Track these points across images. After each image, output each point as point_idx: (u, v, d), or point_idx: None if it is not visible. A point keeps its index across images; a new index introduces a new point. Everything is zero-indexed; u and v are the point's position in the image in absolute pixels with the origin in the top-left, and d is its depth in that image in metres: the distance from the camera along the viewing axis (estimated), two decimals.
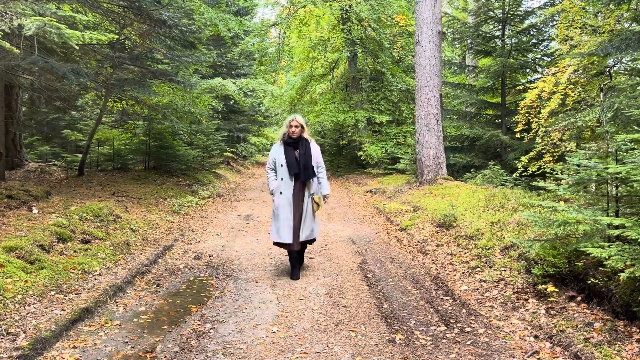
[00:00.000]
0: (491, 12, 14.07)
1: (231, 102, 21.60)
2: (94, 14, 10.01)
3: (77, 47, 7.03)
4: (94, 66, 10.36)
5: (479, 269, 5.60)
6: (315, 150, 5.74)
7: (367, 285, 5.46)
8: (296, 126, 5.61)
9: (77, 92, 10.84)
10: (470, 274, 5.60)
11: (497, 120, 14.29)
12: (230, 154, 23.10)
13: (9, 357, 3.34)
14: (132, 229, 7.53)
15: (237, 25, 15.14)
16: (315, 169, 5.65)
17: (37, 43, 7.38)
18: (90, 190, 9.69)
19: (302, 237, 5.64)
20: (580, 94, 9.33)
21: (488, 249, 5.85)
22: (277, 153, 5.66)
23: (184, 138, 14.58)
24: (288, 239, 5.55)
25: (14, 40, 7.43)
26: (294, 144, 5.62)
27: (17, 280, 4.52)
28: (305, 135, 5.69)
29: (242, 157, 27.06)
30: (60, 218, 6.54)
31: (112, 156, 13.59)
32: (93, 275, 5.38)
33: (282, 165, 5.58)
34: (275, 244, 5.78)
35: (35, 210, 7.01)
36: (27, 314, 4.12)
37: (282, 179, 5.60)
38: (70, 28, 6.88)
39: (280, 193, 5.61)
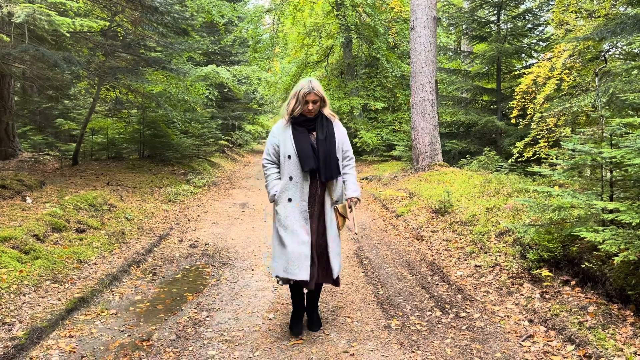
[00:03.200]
0: None
1: (225, 90, 21.45)
2: (84, 0, 9.87)
3: (68, 35, 6.95)
4: (86, 54, 10.24)
5: (474, 254, 5.62)
6: (341, 133, 3.77)
7: (363, 272, 5.48)
8: (314, 101, 3.59)
9: (69, 81, 10.73)
10: (465, 260, 5.62)
11: (492, 106, 14.27)
12: (225, 142, 23.00)
13: (5, 347, 3.34)
14: (127, 218, 7.50)
15: (230, 11, 14.98)
16: (339, 161, 3.71)
17: (28, 31, 7.28)
18: (84, 179, 9.64)
19: (335, 270, 3.67)
20: (575, 79, 9.31)
21: (483, 235, 5.87)
22: (283, 138, 3.68)
23: (179, 126, 14.48)
24: (303, 275, 3.49)
25: (4, 28, 7.33)
26: (309, 124, 3.67)
27: (12, 270, 4.51)
28: (327, 111, 3.72)
29: (238, 145, 26.96)
30: (55, 208, 6.50)
31: (107, 145, 13.50)
32: (88, 265, 5.37)
33: (289, 157, 3.61)
34: (281, 280, 3.72)
35: (29, 200, 6.98)
36: (23, 303, 4.11)
37: (290, 178, 3.61)
38: (61, 15, 6.79)
39: (289, 200, 3.60)
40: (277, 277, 3.65)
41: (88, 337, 3.74)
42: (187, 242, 6.94)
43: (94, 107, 11.58)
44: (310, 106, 3.58)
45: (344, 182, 3.76)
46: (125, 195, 8.86)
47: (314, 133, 3.66)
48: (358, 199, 3.75)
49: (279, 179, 3.71)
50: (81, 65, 8.30)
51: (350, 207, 3.76)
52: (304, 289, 3.80)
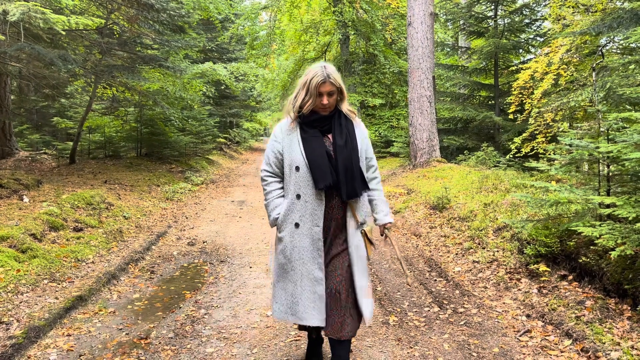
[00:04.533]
0: None
1: (223, 87, 21.41)
2: None
3: (63, 33, 6.92)
4: (82, 52, 10.21)
5: (472, 250, 5.63)
6: (363, 136, 2.90)
7: None
8: (330, 92, 2.73)
9: (65, 79, 10.70)
10: (463, 255, 5.63)
11: (490, 102, 14.26)
12: (223, 140, 22.98)
13: (3, 346, 3.34)
14: (124, 216, 7.49)
15: (226, 8, 14.93)
16: (364, 172, 2.85)
17: (23, 29, 7.25)
18: (81, 178, 9.62)
19: (367, 315, 2.81)
20: (572, 74, 9.30)
21: (481, 230, 5.87)
22: (288, 143, 2.81)
23: (176, 124, 14.46)
24: (316, 318, 2.73)
25: None
26: (323, 125, 2.81)
27: (9, 270, 4.50)
28: (345, 107, 2.86)
29: (235, 142, 26.93)
30: (52, 206, 6.49)
31: (104, 144, 13.47)
32: (86, 263, 5.36)
33: (297, 169, 2.75)
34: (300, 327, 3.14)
35: (26, 199, 6.96)
36: (20, 302, 4.11)
37: (297, 196, 2.76)
38: (56, 13, 6.76)
39: (296, 226, 2.77)
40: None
41: (86, 335, 3.74)
42: (185, 240, 6.94)
43: (90, 105, 11.55)
44: (325, 100, 2.69)
45: (370, 201, 2.91)
46: (122, 194, 8.85)
47: (330, 136, 2.76)
48: (391, 224, 2.93)
49: (282, 196, 2.82)
50: (77, 64, 8.27)
51: (385, 234, 2.93)
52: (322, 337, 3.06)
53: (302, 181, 2.72)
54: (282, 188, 2.85)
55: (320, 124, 2.77)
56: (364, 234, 2.86)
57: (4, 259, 4.60)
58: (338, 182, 2.68)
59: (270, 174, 2.87)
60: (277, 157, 2.82)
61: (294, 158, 2.74)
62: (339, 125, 2.77)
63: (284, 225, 2.79)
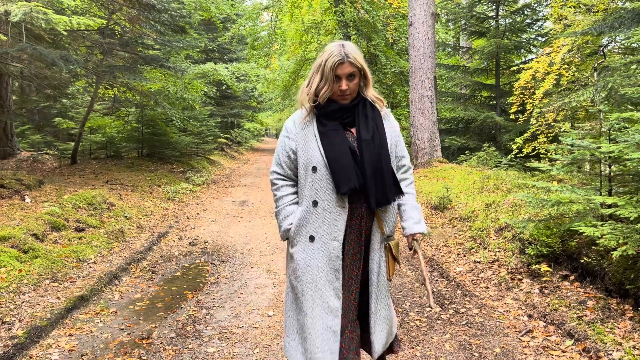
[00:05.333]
0: None
1: (224, 88, 21.41)
2: None
3: (65, 33, 6.94)
4: (83, 53, 10.23)
5: (473, 250, 5.63)
6: (394, 129, 2.45)
7: None
8: (350, 75, 2.26)
9: (67, 80, 10.72)
10: (464, 256, 5.63)
11: (491, 102, 14.25)
12: (224, 140, 23.00)
13: (5, 346, 3.34)
14: (126, 216, 7.50)
15: (228, 8, 14.94)
16: (394, 172, 2.40)
17: (25, 30, 7.27)
18: (83, 178, 9.63)
19: (377, 348, 2.42)
20: (574, 74, 9.29)
21: (482, 231, 5.87)
22: (302, 139, 2.36)
23: (177, 124, 14.47)
24: (330, 357, 2.25)
25: (1, 27, 7.31)
26: (344, 116, 2.34)
27: (11, 270, 4.51)
28: (371, 94, 2.39)
29: (237, 143, 26.95)
30: (54, 207, 6.50)
31: (105, 144, 13.49)
32: (88, 264, 5.37)
33: (314, 170, 2.30)
34: None
35: (28, 199, 6.97)
36: (22, 302, 4.11)
37: (314, 203, 2.30)
38: (58, 13, 6.77)
39: (310, 239, 2.31)
40: None
41: (88, 335, 3.74)
42: (186, 240, 6.94)
43: (92, 105, 11.57)
44: (344, 85, 2.20)
45: (398, 206, 2.43)
46: (124, 194, 8.86)
47: (353, 130, 2.30)
48: (423, 234, 2.57)
49: (296, 203, 2.35)
50: (79, 64, 8.28)
51: (413, 248, 2.42)
52: None
53: (320, 184, 2.23)
54: (296, 193, 2.36)
55: (341, 115, 2.28)
56: (388, 250, 2.37)
57: (6, 259, 4.61)
58: (365, 186, 2.20)
59: (282, 177, 2.38)
60: (290, 156, 2.33)
61: (310, 156, 2.25)
62: (364, 116, 2.28)
63: (296, 239, 2.30)
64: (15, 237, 5.10)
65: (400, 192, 2.36)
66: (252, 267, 5.57)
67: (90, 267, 5.29)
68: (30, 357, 3.35)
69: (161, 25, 10.71)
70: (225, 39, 21.19)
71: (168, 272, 5.46)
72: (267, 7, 20.07)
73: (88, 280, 4.81)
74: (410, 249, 2.45)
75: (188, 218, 8.50)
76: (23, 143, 14.24)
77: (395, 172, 2.36)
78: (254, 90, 26.72)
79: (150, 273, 5.40)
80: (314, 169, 2.25)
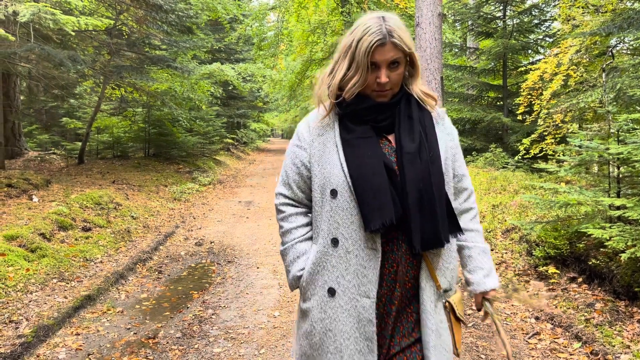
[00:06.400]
0: None
1: (230, 88, 21.47)
2: None
3: (73, 34, 6.97)
4: (91, 53, 10.28)
5: None
6: (450, 139, 1.68)
7: None
8: (393, 62, 1.51)
9: (75, 80, 10.77)
10: None
11: (498, 103, 14.19)
12: (230, 140, 23.04)
13: (12, 345, 3.36)
14: (132, 216, 7.53)
15: (235, 8, 14.98)
16: (449, 199, 1.61)
17: (33, 30, 7.31)
18: (90, 178, 9.68)
19: None
20: (582, 75, 9.24)
21: (489, 232, 5.84)
22: (319, 151, 1.61)
23: (184, 124, 14.52)
24: None
25: (9, 28, 7.35)
26: (379, 118, 1.58)
27: (19, 269, 4.53)
28: (418, 89, 1.62)
29: (243, 143, 27.00)
30: (61, 206, 6.53)
31: (112, 144, 13.55)
32: (94, 263, 5.39)
33: (333, 195, 1.55)
34: None
35: (35, 199, 7.01)
36: (30, 301, 4.13)
37: (334, 242, 1.56)
38: (66, 14, 6.81)
39: (330, 293, 1.57)
40: None
41: (94, 334, 3.76)
42: (192, 240, 6.96)
43: (99, 105, 11.62)
44: (384, 75, 1.51)
45: (459, 249, 1.72)
46: (130, 194, 8.89)
47: (391, 138, 1.60)
48: (495, 290, 1.72)
49: (309, 239, 1.67)
50: (86, 64, 8.33)
51: (483, 308, 1.74)
52: None
53: (343, 216, 1.53)
54: (310, 225, 1.67)
55: (374, 116, 1.56)
56: (449, 310, 1.63)
57: (13, 258, 4.64)
58: (407, 219, 1.49)
59: (290, 202, 1.68)
60: (302, 173, 1.63)
61: (328, 175, 1.55)
62: (407, 118, 1.57)
63: (310, 291, 1.61)
64: (23, 237, 5.13)
65: (457, 229, 1.59)
66: (258, 268, 5.57)
67: (97, 266, 5.31)
68: (38, 356, 3.37)
69: (168, 26, 10.75)
70: (231, 39, 21.24)
71: (174, 272, 5.47)
72: (274, 7, 20.10)
73: (95, 280, 4.83)
74: (479, 310, 1.74)
75: (194, 218, 8.52)
76: (31, 143, 14.33)
77: (452, 198, 1.62)
78: (260, 90, 26.75)
79: (157, 273, 5.42)
80: (334, 193, 1.53)
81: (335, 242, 1.55)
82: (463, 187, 1.72)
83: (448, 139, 1.65)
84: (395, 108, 1.59)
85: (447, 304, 1.64)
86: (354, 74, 1.52)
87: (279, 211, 1.71)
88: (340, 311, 1.56)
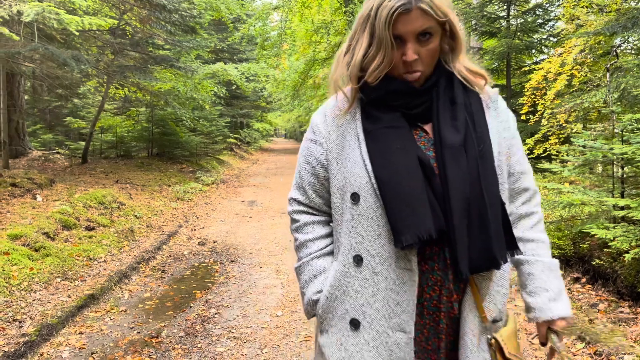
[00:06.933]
0: None
1: (233, 88, 21.50)
2: None
3: (77, 33, 6.99)
4: (94, 53, 10.32)
5: None
6: (505, 128, 1.29)
7: None
8: (423, 33, 1.14)
9: (78, 80, 10.81)
10: None
11: None
12: (233, 140, 23.07)
13: (16, 343, 3.37)
14: (136, 215, 7.55)
15: (238, 8, 14.99)
16: (505, 205, 1.21)
17: (37, 30, 7.34)
18: (93, 177, 9.71)
19: None
20: (586, 75, 9.21)
21: None
22: (338, 146, 1.28)
23: (187, 124, 14.56)
24: None
25: (13, 27, 7.38)
26: (411, 104, 1.23)
27: (23, 268, 4.55)
28: (462, 66, 1.25)
29: (246, 143, 27.04)
30: (65, 205, 6.55)
31: (115, 143, 13.59)
32: (98, 262, 5.41)
33: (354, 200, 1.21)
34: None
35: (39, 198, 7.04)
36: (33, 300, 4.15)
37: (357, 259, 1.22)
38: (70, 13, 6.83)
39: (352, 326, 1.23)
40: None
41: (98, 333, 3.77)
42: (195, 239, 6.97)
43: (102, 105, 11.66)
44: (411, 52, 1.16)
45: (516, 263, 1.34)
46: (134, 193, 8.91)
47: (428, 128, 1.27)
48: (565, 320, 1.31)
49: (328, 254, 1.35)
50: (90, 64, 8.35)
51: (548, 343, 1.37)
52: None
53: (367, 226, 1.21)
54: (331, 236, 1.36)
55: (406, 100, 1.23)
56: (497, 350, 1.25)
57: (17, 257, 4.65)
58: (450, 233, 1.15)
59: (306, 208, 1.39)
60: (318, 174, 1.33)
61: (349, 175, 1.23)
62: (448, 103, 1.24)
63: (328, 321, 1.29)
64: (27, 236, 5.15)
65: (515, 246, 1.22)
66: (260, 267, 5.57)
67: (101, 265, 5.32)
68: (41, 355, 3.38)
69: (171, 26, 10.77)
70: (235, 39, 21.27)
71: (177, 272, 5.48)
72: (277, 7, 20.12)
73: (98, 279, 4.85)
74: (544, 345, 1.36)
75: (197, 218, 8.53)
76: (35, 142, 14.39)
77: (508, 201, 1.27)
78: (263, 90, 26.78)
79: (160, 272, 5.43)
80: (355, 198, 1.21)
81: (358, 260, 1.22)
82: (522, 187, 1.32)
83: (502, 128, 1.28)
84: (432, 91, 1.24)
85: (492, 340, 1.25)
86: (376, 52, 1.17)
87: (292, 220, 1.40)
88: (367, 349, 1.22)
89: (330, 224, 1.37)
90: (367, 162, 1.20)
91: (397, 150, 1.18)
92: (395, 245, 1.16)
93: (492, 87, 1.31)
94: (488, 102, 1.29)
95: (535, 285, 1.29)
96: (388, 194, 1.16)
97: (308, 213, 1.38)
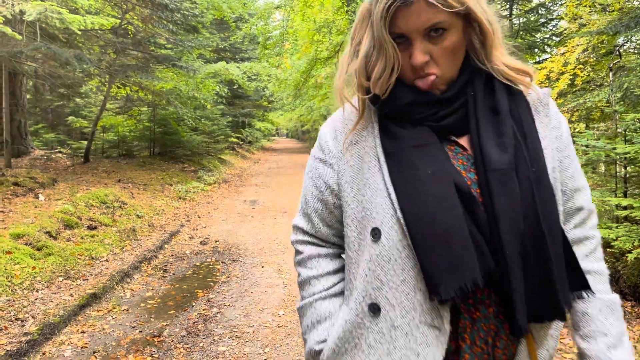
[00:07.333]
0: None
1: (235, 87, 21.52)
2: None
3: (79, 33, 7.00)
4: (97, 52, 10.33)
5: None
6: (554, 133, 1.02)
7: None
8: (434, 27, 0.90)
9: (80, 79, 10.82)
10: None
11: None
12: (235, 140, 23.07)
13: (19, 342, 3.38)
14: (138, 215, 7.55)
15: (240, 7, 15.00)
16: (564, 227, 0.98)
17: (40, 29, 7.34)
18: (96, 177, 9.72)
19: None
20: (589, 74, 9.19)
21: None
22: (352, 167, 1.03)
23: (189, 124, 14.57)
24: None
25: (16, 27, 7.39)
26: (437, 110, 0.97)
27: (25, 267, 4.56)
28: (500, 62, 0.99)
29: (247, 142, 27.05)
30: (67, 205, 6.56)
31: (117, 143, 13.60)
32: (100, 261, 5.41)
33: (376, 236, 0.96)
34: None
35: (41, 197, 7.05)
36: (36, 299, 4.15)
37: (371, 308, 0.98)
38: (72, 13, 6.84)
39: None
40: None
41: (100, 332, 3.77)
42: (197, 239, 6.97)
43: (104, 104, 11.67)
44: (419, 53, 0.92)
45: (589, 311, 1.03)
46: (136, 193, 8.92)
47: (464, 142, 1.00)
48: None
49: (336, 295, 1.12)
50: (92, 63, 8.36)
51: None
52: None
53: (389, 270, 0.96)
54: (340, 272, 1.15)
55: (430, 110, 0.99)
56: None
57: (20, 256, 4.66)
58: (503, 277, 0.90)
59: (311, 239, 1.17)
60: (326, 200, 1.11)
61: (369, 206, 1.00)
62: (489, 111, 0.99)
63: None
64: (29, 235, 5.16)
65: (585, 285, 0.98)
66: (262, 267, 5.57)
67: (103, 265, 5.33)
68: (43, 354, 3.38)
69: (173, 25, 10.77)
70: (237, 38, 21.27)
71: (179, 271, 5.48)
72: (279, 6, 20.13)
73: (100, 278, 4.85)
74: None
75: (199, 217, 8.53)
76: (37, 142, 14.41)
77: (564, 222, 1.04)
78: (265, 89, 26.78)
79: (162, 271, 5.43)
80: (376, 235, 0.97)
81: (375, 309, 0.98)
82: (575, 206, 1.04)
83: (554, 137, 1.02)
84: (465, 96, 0.98)
85: None
86: (377, 57, 0.96)
87: (296, 252, 1.19)
88: None
89: (340, 257, 1.16)
90: (391, 190, 0.95)
91: (428, 176, 0.93)
92: (431, 298, 0.91)
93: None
94: (537, 105, 1.04)
95: (591, 329, 1.03)
96: (418, 231, 0.91)
97: (313, 244, 1.16)
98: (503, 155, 0.92)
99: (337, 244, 1.15)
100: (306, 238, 1.17)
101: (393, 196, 0.95)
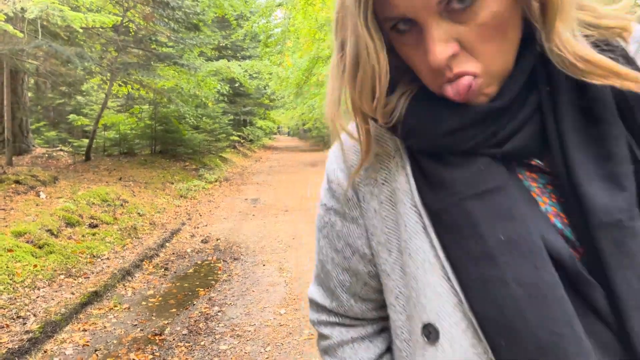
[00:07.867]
0: None
1: (237, 85, 21.51)
2: None
3: (80, 30, 6.99)
4: (98, 50, 10.32)
5: None
6: None
7: None
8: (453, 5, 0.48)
9: (82, 77, 10.82)
10: None
11: None
12: (236, 138, 23.07)
13: (20, 340, 3.37)
14: (139, 213, 7.55)
15: (241, 5, 14.99)
16: None
17: (41, 27, 7.33)
18: (97, 175, 9.72)
19: None
20: None
21: None
22: (381, 225, 0.64)
23: (190, 122, 14.56)
24: None
25: (17, 24, 7.39)
26: (500, 134, 0.55)
27: (27, 265, 4.55)
28: (571, 44, 0.49)
29: (249, 140, 27.04)
30: (68, 203, 6.56)
31: (119, 141, 13.60)
32: (101, 259, 5.41)
33: (430, 336, 0.57)
34: None
35: (43, 195, 7.05)
36: (37, 297, 4.15)
37: None
38: (73, 10, 6.83)
39: None
40: None
41: (101, 331, 3.77)
42: (198, 237, 6.97)
43: (106, 102, 11.66)
44: (436, 48, 0.51)
45: None
46: (137, 191, 8.92)
47: (550, 186, 0.57)
48: None
49: None
50: (94, 61, 8.35)
51: None
52: None
53: None
54: (387, 353, 0.78)
55: (491, 129, 0.56)
56: None
57: (21, 254, 4.66)
58: None
59: (339, 319, 0.81)
60: (355, 269, 0.73)
61: (417, 285, 0.59)
62: (576, 113, 0.55)
63: None
64: (31, 233, 5.16)
65: None
66: (264, 265, 5.57)
67: (104, 263, 5.33)
68: (45, 352, 3.38)
69: (175, 23, 10.77)
70: (238, 36, 21.26)
71: (180, 269, 5.48)
72: (281, 4, 20.10)
73: (101, 276, 4.85)
74: None
75: (200, 215, 8.53)
76: (38, 140, 14.41)
77: None
78: (266, 87, 26.76)
79: (163, 270, 5.43)
80: (430, 333, 0.59)
81: None
82: None
83: None
84: (534, 96, 0.58)
85: None
86: (352, 65, 0.58)
87: (320, 335, 0.85)
88: None
89: (382, 335, 0.80)
90: (447, 267, 0.57)
91: (504, 246, 0.53)
92: None
93: None
94: None
95: None
96: (502, 337, 0.53)
97: (344, 325, 0.81)
98: (616, 196, 0.52)
99: (373, 320, 0.79)
100: (332, 319, 0.81)
101: (451, 276, 0.57)
